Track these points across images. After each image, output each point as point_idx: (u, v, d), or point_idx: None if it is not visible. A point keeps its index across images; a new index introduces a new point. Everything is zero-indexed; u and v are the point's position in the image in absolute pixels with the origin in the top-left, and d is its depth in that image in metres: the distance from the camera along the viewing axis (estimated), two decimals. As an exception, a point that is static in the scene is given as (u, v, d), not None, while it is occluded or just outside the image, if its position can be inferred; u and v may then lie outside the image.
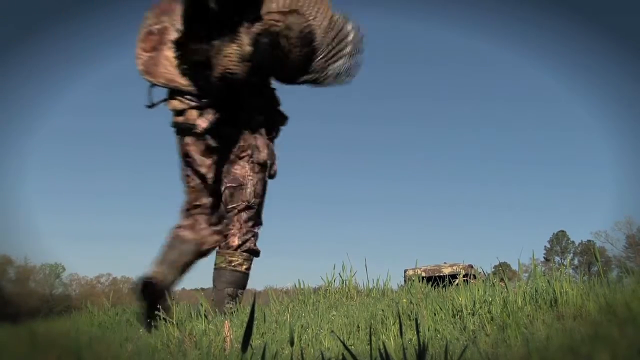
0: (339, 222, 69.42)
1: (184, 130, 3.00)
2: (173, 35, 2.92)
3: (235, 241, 3.05)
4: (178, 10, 2.90)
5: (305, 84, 3.10)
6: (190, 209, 3.15)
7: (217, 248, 3.11)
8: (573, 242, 48.45)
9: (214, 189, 3.12)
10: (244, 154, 3.08)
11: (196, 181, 3.11)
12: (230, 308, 2.92)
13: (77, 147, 69.72)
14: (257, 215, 3.18)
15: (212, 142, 3.03)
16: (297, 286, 4.73)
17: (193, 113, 2.93)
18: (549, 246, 48.84)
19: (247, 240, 3.08)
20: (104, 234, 67.94)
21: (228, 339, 2.29)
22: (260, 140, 3.13)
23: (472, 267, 7.50)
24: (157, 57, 2.94)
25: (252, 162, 3.09)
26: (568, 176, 64.00)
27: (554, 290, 2.76)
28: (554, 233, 48.31)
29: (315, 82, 3.06)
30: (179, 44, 2.87)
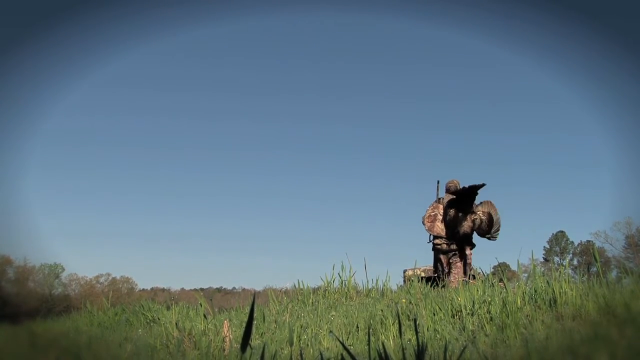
0: (338, 222, 69.48)
1: (438, 250, 7.92)
2: (439, 217, 7.99)
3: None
4: (441, 207, 8.03)
5: (485, 238, 7.71)
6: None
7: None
8: (572, 242, 48.47)
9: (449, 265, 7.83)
10: (466, 258, 7.73)
11: (443, 267, 7.95)
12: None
13: (76, 147, 69.70)
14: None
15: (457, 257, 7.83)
16: (297, 286, 4.73)
17: (468, 251, 7.80)
18: (548, 246, 48.85)
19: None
20: (104, 234, 67.99)
21: (227, 339, 2.29)
22: (470, 252, 7.76)
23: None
24: (433, 223, 7.99)
25: (467, 262, 7.69)
26: (568, 176, 64.05)
27: (553, 291, 2.76)
28: (553, 233, 48.35)
29: (488, 238, 7.68)
30: (443, 219, 7.95)
